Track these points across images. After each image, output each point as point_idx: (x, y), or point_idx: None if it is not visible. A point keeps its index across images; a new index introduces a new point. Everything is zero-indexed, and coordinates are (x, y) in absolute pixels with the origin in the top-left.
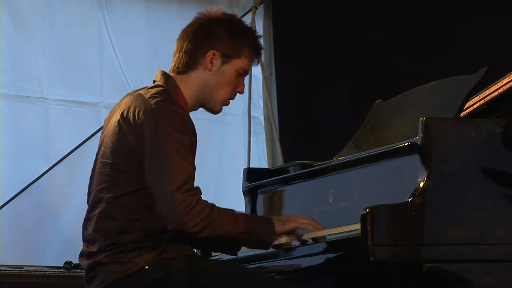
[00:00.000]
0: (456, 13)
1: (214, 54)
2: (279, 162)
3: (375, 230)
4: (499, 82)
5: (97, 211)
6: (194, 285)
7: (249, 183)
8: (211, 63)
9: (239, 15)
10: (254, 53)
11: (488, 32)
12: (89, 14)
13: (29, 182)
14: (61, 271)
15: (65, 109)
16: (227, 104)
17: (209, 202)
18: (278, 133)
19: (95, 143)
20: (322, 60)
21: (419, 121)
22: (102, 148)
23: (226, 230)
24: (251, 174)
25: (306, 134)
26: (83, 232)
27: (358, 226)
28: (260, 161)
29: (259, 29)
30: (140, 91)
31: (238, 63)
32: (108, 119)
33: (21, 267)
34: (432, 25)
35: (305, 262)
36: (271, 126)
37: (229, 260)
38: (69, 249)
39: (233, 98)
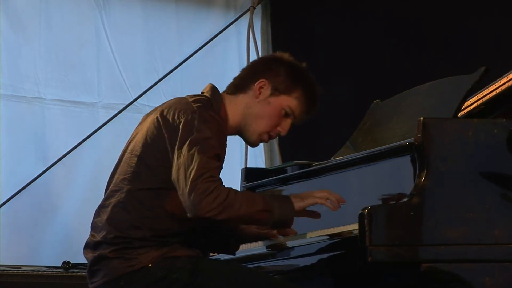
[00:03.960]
0: (455, 12)
1: (264, 83)
2: (277, 162)
3: (373, 230)
4: (497, 82)
5: (113, 200)
6: (194, 284)
7: (247, 183)
8: (259, 91)
9: (236, 15)
10: (306, 98)
11: (487, 32)
12: (87, 14)
13: (26, 182)
14: (59, 271)
15: (62, 109)
16: (265, 139)
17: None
18: None
19: (92, 143)
20: (320, 60)
21: (417, 121)
22: (134, 142)
23: (245, 210)
24: (249, 174)
25: (304, 134)
26: (94, 218)
27: (356, 226)
28: (257, 160)
29: (257, 29)
30: (185, 96)
31: (286, 100)
32: (146, 116)
33: (19, 267)
34: (430, 25)
35: (303, 262)
36: None
37: (228, 259)
38: (66, 250)
39: (273, 136)
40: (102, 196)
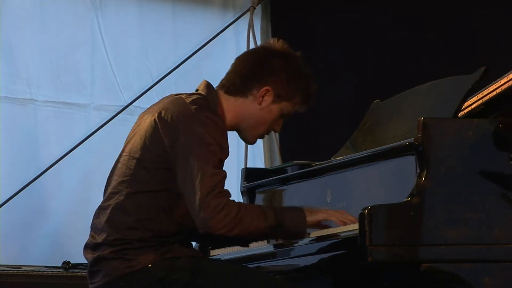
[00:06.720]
0: (455, 12)
1: (268, 90)
2: (277, 162)
3: (373, 230)
4: (497, 82)
5: (112, 202)
6: (194, 284)
7: (247, 183)
8: (263, 98)
9: (235, 15)
10: (303, 102)
11: (487, 31)
12: (82, 15)
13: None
14: (59, 271)
15: (54, 111)
16: (262, 138)
17: (236, 201)
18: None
19: (83, 145)
20: (320, 60)
21: (417, 121)
22: (131, 143)
23: (256, 225)
24: (249, 174)
25: (304, 134)
26: (93, 219)
27: (356, 226)
28: (256, 161)
29: (257, 29)
30: (181, 95)
31: (287, 106)
32: (141, 116)
33: (19, 267)
34: (430, 25)
35: (303, 262)
36: None
37: (229, 259)
38: (58, 251)
39: (268, 134)
40: (94, 197)
